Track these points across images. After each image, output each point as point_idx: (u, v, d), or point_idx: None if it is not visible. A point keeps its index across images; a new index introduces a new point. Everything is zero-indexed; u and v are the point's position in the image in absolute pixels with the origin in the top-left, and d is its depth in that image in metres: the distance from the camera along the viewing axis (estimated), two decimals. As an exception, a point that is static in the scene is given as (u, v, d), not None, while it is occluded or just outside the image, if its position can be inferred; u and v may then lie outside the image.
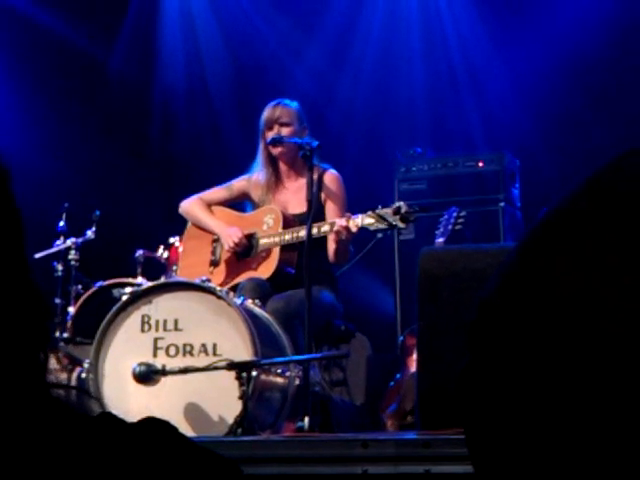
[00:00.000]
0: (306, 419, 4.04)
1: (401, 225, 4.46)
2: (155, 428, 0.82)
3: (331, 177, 5.06)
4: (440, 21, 7.48)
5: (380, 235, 4.63)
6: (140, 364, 4.27)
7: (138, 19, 7.82)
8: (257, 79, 7.61)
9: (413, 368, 4.98)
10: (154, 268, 5.48)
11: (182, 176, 7.24)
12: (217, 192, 5.25)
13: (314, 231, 4.59)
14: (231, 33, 7.82)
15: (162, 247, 5.41)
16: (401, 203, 4.49)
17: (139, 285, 4.83)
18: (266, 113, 5.11)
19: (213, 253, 5.10)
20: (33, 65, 7.62)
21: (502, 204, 6.06)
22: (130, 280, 5.38)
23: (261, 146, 5.13)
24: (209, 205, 5.22)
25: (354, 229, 4.56)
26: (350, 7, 7.53)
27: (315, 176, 4.89)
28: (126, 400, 4.33)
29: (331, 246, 4.81)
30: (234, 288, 4.79)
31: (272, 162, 5.11)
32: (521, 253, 0.55)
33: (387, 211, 4.47)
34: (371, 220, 4.52)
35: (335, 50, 7.50)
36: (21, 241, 0.82)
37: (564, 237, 0.53)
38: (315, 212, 4.73)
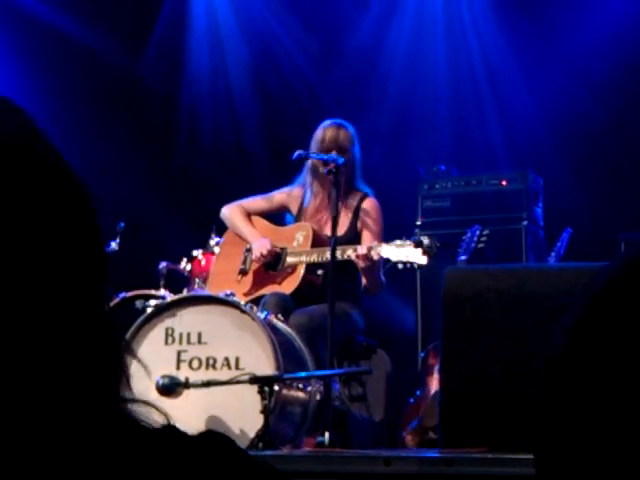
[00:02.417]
0: (326, 434, 4.05)
1: (422, 261, 4.47)
2: (216, 442, 0.85)
3: (370, 204, 5.04)
4: (464, 40, 7.49)
5: (401, 267, 4.61)
6: (163, 376, 4.29)
7: (166, 32, 7.86)
8: (282, 94, 7.64)
9: (433, 385, 4.97)
10: (177, 280, 5.51)
11: (206, 189, 7.27)
12: (257, 202, 5.24)
13: (337, 253, 4.62)
14: (257, 48, 7.85)
15: (185, 260, 5.43)
16: (424, 237, 4.51)
17: (162, 297, 4.86)
18: (327, 134, 4.94)
19: (244, 262, 5.11)
20: (58, 74, 7.65)
21: (525, 223, 6.04)
22: (153, 292, 5.40)
23: (310, 164, 5.01)
24: (249, 214, 5.21)
25: (375, 257, 4.58)
26: (376, 26, 7.56)
27: (354, 200, 4.98)
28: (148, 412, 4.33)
29: (363, 276, 4.84)
30: (257, 299, 4.81)
31: (318, 183, 5.00)
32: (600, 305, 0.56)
33: (409, 243, 4.51)
34: (392, 249, 4.54)
35: (360, 68, 7.52)
36: (102, 262, 0.84)
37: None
38: (352, 238, 4.87)
